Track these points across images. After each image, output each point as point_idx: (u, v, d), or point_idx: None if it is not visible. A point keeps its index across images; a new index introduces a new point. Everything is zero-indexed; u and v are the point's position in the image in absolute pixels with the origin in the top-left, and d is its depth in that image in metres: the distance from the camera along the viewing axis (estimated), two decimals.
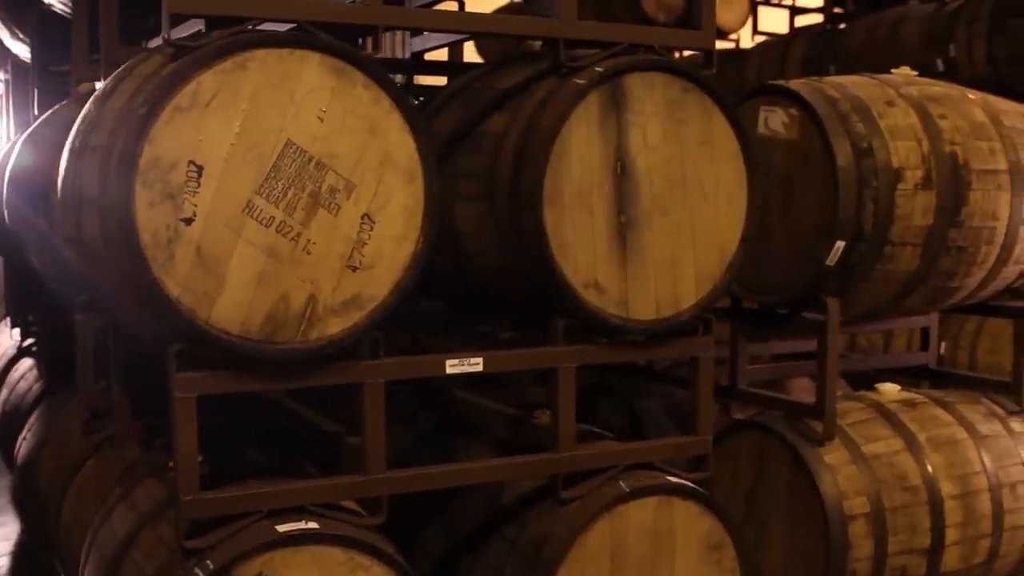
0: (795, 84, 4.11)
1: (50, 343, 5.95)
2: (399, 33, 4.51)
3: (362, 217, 2.98)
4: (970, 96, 4.31)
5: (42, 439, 4.92)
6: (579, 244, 3.26)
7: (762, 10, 10.50)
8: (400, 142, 3.01)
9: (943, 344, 7.95)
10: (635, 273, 3.35)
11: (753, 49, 10.04)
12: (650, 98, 3.33)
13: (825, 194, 3.92)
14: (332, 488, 3.07)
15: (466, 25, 3.14)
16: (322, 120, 2.91)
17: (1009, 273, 4.37)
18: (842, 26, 9.02)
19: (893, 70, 4.41)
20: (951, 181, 4.01)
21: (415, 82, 4.45)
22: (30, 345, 6.40)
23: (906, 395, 4.46)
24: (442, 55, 4.55)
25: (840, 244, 3.89)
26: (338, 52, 2.91)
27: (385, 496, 3.12)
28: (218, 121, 2.79)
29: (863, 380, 5.25)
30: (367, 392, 3.07)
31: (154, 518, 3.32)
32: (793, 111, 4.04)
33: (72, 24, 4.43)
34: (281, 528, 2.95)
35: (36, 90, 6.03)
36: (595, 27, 3.34)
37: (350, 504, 3.25)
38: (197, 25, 3.51)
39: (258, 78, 2.84)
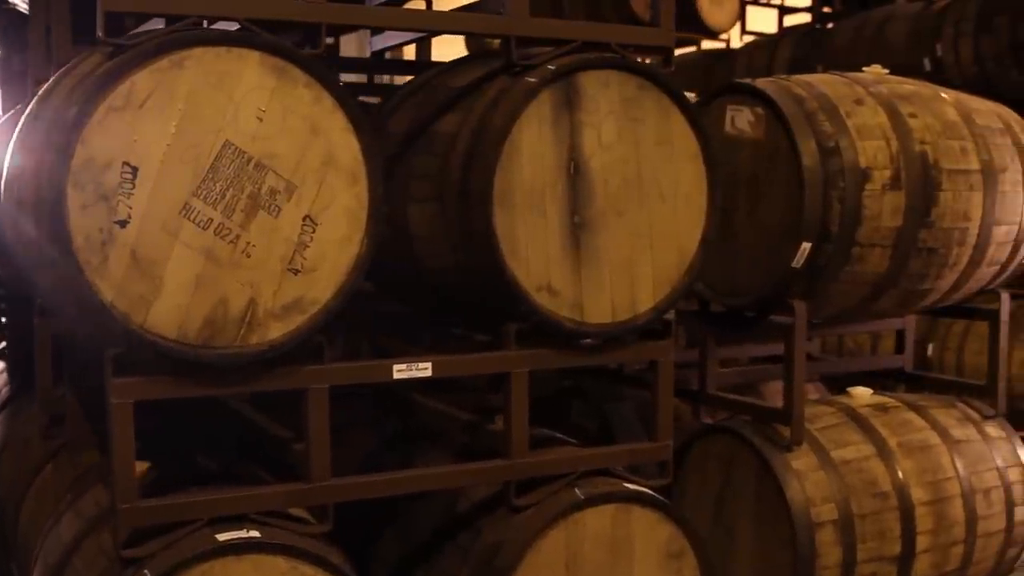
0: (761, 83, 4.04)
1: (18, 346, 5.89)
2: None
3: (304, 219, 2.91)
4: (942, 95, 4.24)
5: (3, 444, 4.86)
6: (531, 246, 3.18)
7: (752, 10, 10.42)
8: (343, 142, 2.94)
9: (931, 346, 7.90)
10: (590, 275, 3.28)
11: (742, 49, 9.97)
12: (605, 97, 3.26)
13: (791, 194, 3.85)
14: (274, 496, 3.00)
15: (414, 22, 3.08)
16: (261, 120, 2.84)
17: (983, 274, 4.29)
18: (830, 26, 8.94)
19: (864, 68, 4.34)
20: (921, 181, 3.94)
21: (376, 81, 4.39)
22: (1, 349, 6.34)
23: (878, 399, 4.38)
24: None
25: (806, 245, 3.81)
26: (278, 50, 2.85)
27: (331, 504, 3.05)
28: (153, 121, 2.73)
29: (848, 382, 5.17)
30: (311, 398, 3.00)
31: (97, 525, 3.26)
32: (759, 110, 3.97)
33: (30, 23, 4.37)
34: (221, 537, 2.88)
35: (2, 91, 5.98)
36: (547, 24, 3.27)
37: (301, 512, 3.19)
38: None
39: (195, 77, 2.78)
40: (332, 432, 4.25)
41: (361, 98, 4.58)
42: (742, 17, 10.27)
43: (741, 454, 4.06)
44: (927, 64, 7.75)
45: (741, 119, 4.05)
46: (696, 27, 10.87)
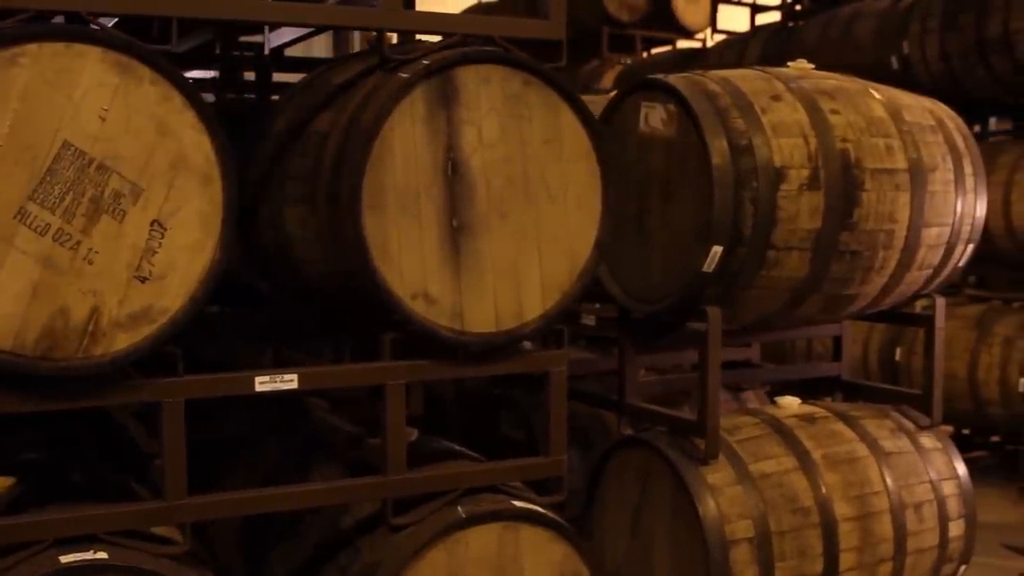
0: (674, 78, 3.86)
1: None
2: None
3: (152, 224, 2.76)
4: (871, 90, 4.05)
5: None
6: (405, 251, 3.02)
7: (725, 8, 10.25)
8: (194, 142, 2.79)
9: (899, 350, 7.70)
10: (471, 282, 3.11)
11: (713, 48, 9.79)
12: (486, 93, 3.09)
13: (702, 195, 3.66)
14: (126, 515, 2.85)
15: (275, 16, 2.92)
16: (104, 120, 2.69)
17: (915, 279, 4.10)
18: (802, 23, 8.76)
19: (789, 63, 4.15)
20: (841, 181, 3.75)
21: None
22: None
23: (807, 409, 4.19)
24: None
25: (717, 249, 3.63)
26: (121, 46, 2.70)
27: (188, 523, 2.89)
28: None
29: (798, 391, 4.96)
30: (165, 412, 2.84)
31: None
32: (671, 107, 3.79)
33: None
34: (65, 559, 2.73)
35: None
36: (422, 17, 3.11)
37: (169, 531, 3.03)
38: None
39: (31, 75, 2.62)
40: (238, 443, 4.13)
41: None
42: (713, 15, 10.11)
43: (657, 467, 3.88)
44: (895, 62, 7.56)
45: (654, 117, 3.87)
46: (672, 26, 10.72)
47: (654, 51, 10.88)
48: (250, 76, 4.23)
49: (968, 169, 4.17)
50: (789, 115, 3.77)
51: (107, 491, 3.25)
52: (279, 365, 3.90)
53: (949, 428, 7.82)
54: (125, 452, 3.61)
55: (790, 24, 8.88)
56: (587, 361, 4.61)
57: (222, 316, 3.91)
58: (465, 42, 3.14)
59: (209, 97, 4.56)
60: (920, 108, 4.13)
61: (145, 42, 2.70)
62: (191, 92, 2.78)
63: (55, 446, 3.65)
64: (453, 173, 3.06)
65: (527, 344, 3.33)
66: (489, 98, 3.09)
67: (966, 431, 7.76)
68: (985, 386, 6.93)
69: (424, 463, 3.34)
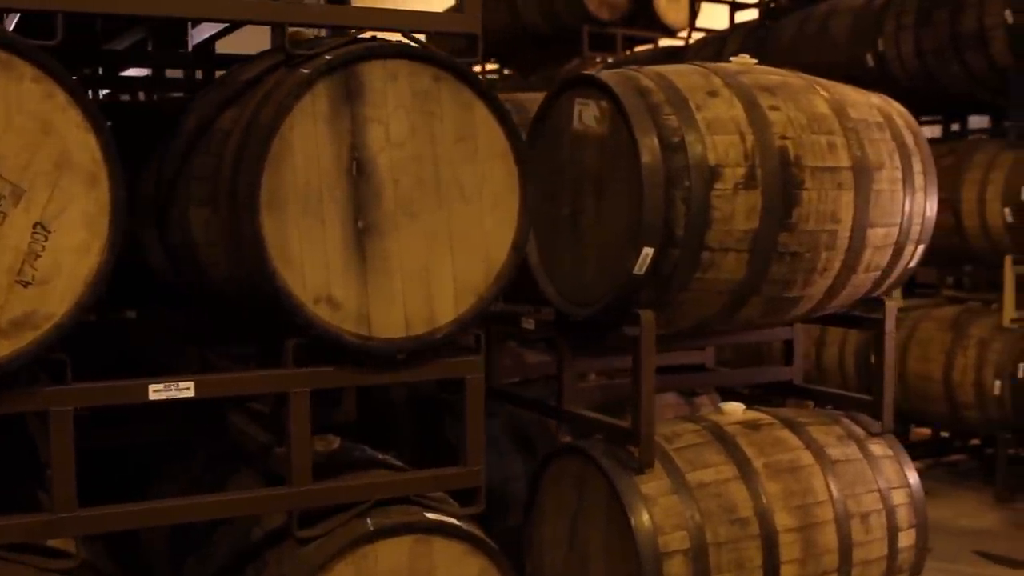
0: (607, 74, 3.73)
1: None
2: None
3: (34, 226, 2.65)
4: (816, 86, 3.91)
5: None
6: (308, 254, 2.90)
7: (707, 7, 10.12)
8: (79, 142, 2.67)
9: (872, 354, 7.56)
10: (378, 286, 2.99)
11: (691, 46, 9.67)
12: (393, 89, 2.98)
13: (633, 195, 3.54)
14: (10, 528, 2.73)
15: (166, 9, 2.81)
16: None
17: (862, 281, 3.96)
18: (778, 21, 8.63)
19: (732, 58, 4.03)
20: (779, 179, 3.62)
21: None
22: None
23: (752, 415, 4.06)
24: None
25: (648, 251, 3.50)
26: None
27: (78, 537, 2.79)
28: None
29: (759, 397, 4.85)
30: (53, 421, 2.73)
31: None
32: (604, 104, 3.67)
33: None
34: None
35: None
36: (325, 10, 3.01)
37: (66, 543, 2.92)
38: None
39: None
40: (157, 449, 4.03)
41: None
42: (693, 14, 9.98)
43: (592, 476, 3.76)
44: (870, 59, 7.42)
45: (588, 114, 3.75)
46: (654, 25, 10.60)
47: (636, 50, 10.75)
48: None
49: (917, 167, 4.04)
50: (725, 112, 3.65)
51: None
52: (204, 369, 3.79)
53: (926, 431, 7.73)
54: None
55: (767, 22, 8.75)
56: (523, 366, 4.50)
57: (144, 319, 3.81)
58: (373, 37, 3.03)
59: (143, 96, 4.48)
60: (867, 105, 4.00)
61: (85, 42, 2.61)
62: (75, 89, 2.67)
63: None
64: (359, 173, 2.95)
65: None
66: (397, 95, 2.98)
67: (944, 434, 7.62)
68: (961, 388, 6.79)
69: (344, 472, 3.24)
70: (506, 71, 12.19)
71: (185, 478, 3.88)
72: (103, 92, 4.90)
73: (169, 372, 2.95)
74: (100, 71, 4.66)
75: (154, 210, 3.43)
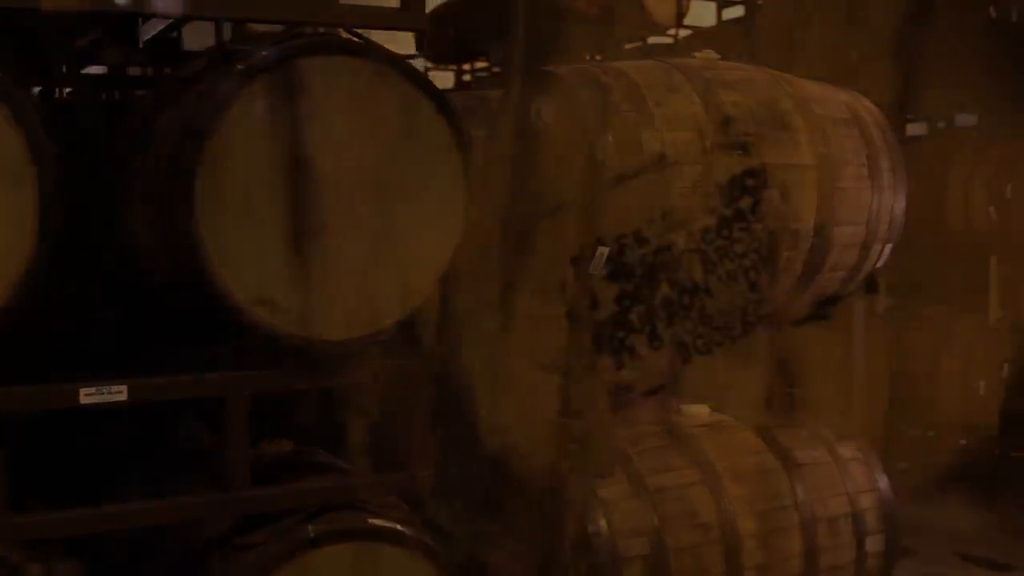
0: (566, 71, 3.66)
1: None
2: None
3: None
4: (780, 82, 3.84)
5: None
6: (246, 255, 2.84)
7: (696, 4, 10.01)
8: (5, 140, 2.61)
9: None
10: (319, 287, 2.92)
11: (679, 43, 9.56)
12: (335, 86, 2.91)
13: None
14: None
15: (103, 3, 2.74)
16: None
17: (828, 280, 3.89)
18: None
19: (696, 54, 3.95)
20: (738, 176, 3.55)
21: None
22: None
23: (716, 418, 3.99)
24: None
25: (603, 250, 3.44)
26: None
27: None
28: None
29: None
30: None
31: None
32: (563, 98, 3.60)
33: None
34: None
35: None
36: (266, 5, 2.92)
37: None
38: None
39: None
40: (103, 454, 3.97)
41: None
42: (680, 11, 9.87)
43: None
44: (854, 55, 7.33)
45: (548, 112, 3.68)
46: (643, 22, 10.50)
47: (626, 48, 10.65)
48: None
49: (885, 165, 3.96)
50: (684, 108, 3.58)
51: None
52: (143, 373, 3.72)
53: (912, 432, 7.63)
54: None
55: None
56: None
57: (90, 320, 3.74)
58: (315, 34, 2.97)
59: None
60: (834, 101, 3.92)
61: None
62: (2, 86, 2.60)
63: None
64: (299, 172, 2.88)
65: None
66: (338, 91, 2.91)
67: (930, 434, 7.52)
68: (946, 389, 6.70)
69: (297, 478, 3.17)
70: (495, 69, 12.09)
71: (134, 482, 3.81)
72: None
73: (103, 376, 2.89)
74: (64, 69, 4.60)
75: (102, 211, 3.36)
